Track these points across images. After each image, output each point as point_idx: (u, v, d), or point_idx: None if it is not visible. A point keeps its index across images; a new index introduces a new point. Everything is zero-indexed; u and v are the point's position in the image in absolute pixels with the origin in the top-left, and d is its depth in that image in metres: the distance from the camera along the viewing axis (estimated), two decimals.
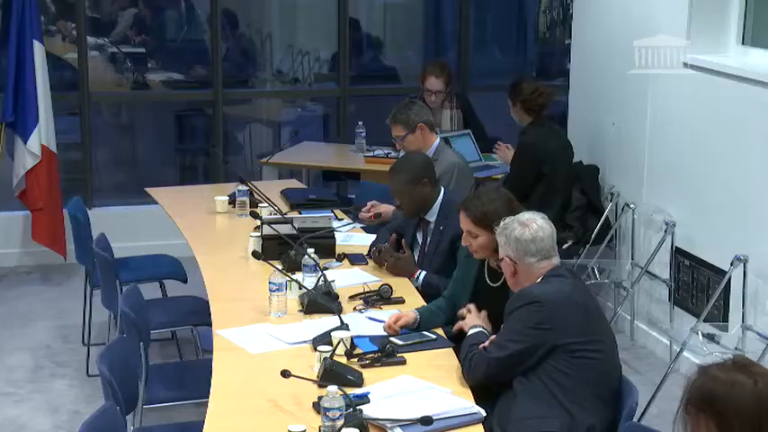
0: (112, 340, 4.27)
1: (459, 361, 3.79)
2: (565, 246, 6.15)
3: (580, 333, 3.58)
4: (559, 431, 3.48)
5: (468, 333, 3.87)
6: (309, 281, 4.43)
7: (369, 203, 5.60)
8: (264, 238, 4.91)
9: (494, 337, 3.72)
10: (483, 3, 9.10)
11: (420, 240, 4.95)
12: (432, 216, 4.88)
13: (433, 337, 4.03)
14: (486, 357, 3.63)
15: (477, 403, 3.44)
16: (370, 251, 4.99)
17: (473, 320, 3.97)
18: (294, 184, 6.62)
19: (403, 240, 4.90)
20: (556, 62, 9.22)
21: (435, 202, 4.87)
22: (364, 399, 3.39)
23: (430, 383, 3.57)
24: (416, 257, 4.90)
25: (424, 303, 4.38)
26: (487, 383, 3.66)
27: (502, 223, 3.81)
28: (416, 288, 4.65)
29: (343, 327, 3.96)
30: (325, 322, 4.08)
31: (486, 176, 6.59)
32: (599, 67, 6.69)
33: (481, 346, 3.69)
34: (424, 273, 4.71)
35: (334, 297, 4.32)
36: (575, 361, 3.55)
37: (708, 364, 2.56)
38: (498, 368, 3.62)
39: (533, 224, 3.76)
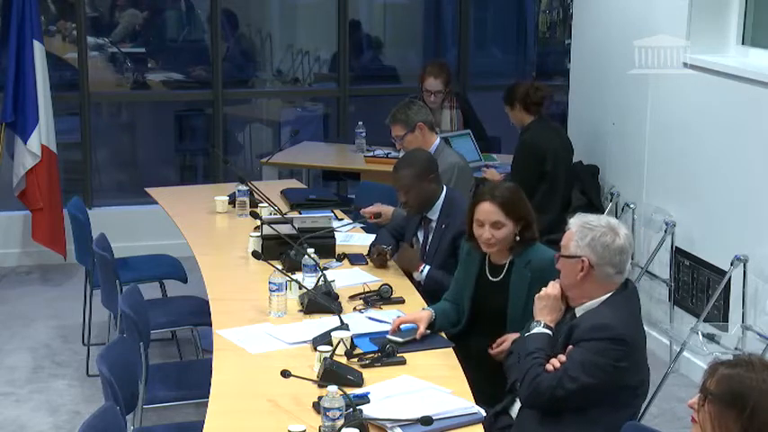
0: (112, 340, 4.27)
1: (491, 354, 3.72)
2: None
3: (644, 370, 3.51)
4: None
5: (532, 331, 3.60)
6: (309, 281, 4.43)
7: (374, 205, 5.59)
8: (264, 238, 4.91)
9: (563, 359, 3.43)
10: (483, 3, 9.10)
11: (421, 239, 4.95)
12: (434, 214, 4.89)
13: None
14: (553, 386, 3.40)
15: (478, 403, 3.44)
16: (369, 251, 4.98)
17: (542, 306, 3.63)
18: (294, 184, 6.62)
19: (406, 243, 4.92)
20: (556, 62, 9.21)
21: (438, 199, 4.88)
22: (364, 399, 3.39)
23: (430, 383, 3.56)
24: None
25: (424, 303, 4.39)
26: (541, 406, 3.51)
27: (583, 220, 3.59)
28: (418, 282, 4.64)
29: (343, 327, 3.96)
30: (326, 322, 4.08)
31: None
32: (599, 67, 6.69)
33: (550, 368, 3.44)
34: (428, 267, 4.71)
35: (335, 297, 4.32)
36: (632, 400, 3.49)
37: (731, 360, 2.58)
38: (564, 400, 3.41)
39: (622, 233, 3.57)
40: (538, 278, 3.97)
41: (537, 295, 3.66)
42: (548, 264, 3.99)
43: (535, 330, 3.59)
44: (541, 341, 3.54)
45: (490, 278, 4.20)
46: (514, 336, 4.01)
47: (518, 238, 4.12)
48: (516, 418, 3.65)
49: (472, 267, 4.26)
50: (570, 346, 3.45)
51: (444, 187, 4.95)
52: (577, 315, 3.57)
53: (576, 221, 3.61)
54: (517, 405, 3.68)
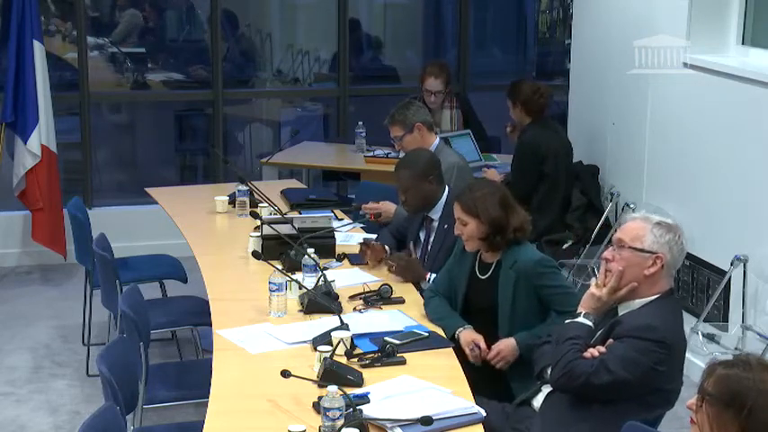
0: (112, 340, 4.27)
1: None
2: (565, 246, 6.14)
3: (679, 378, 3.52)
4: None
5: (577, 319, 3.59)
6: (309, 281, 4.43)
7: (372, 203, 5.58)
8: (264, 238, 4.91)
9: (602, 350, 3.45)
10: (483, 3, 9.10)
11: (423, 239, 4.95)
12: (435, 214, 4.89)
13: (425, 334, 4.03)
14: (588, 372, 3.41)
15: (478, 403, 3.45)
16: (361, 249, 4.92)
17: (588, 300, 3.61)
18: (294, 184, 6.62)
19: (411, 244, 4.90)
20: (556, 62, 9.22)
21: (440, 199, 4.89)
22: (364, 399, 3.39)
23: (430, 383, 3.56)
24: (419, 255, 4.90)
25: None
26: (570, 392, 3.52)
27: (657, 218, 3.61)
28: (424, 291, 4.62)
29: (343, 327, 3.96)
30: (326, 322, 4.08)
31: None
32: (599, 67, 6.69)
33: (589, 354, 3.46)
34: (434, 275, 4.68)
35: (335, 297, 4.32)
36: (662, 405, 3.50)
37: (728, 361, 2.58)
38: (595, 389, 3.42)
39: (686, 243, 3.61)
40: (522, 279, 4.10)
41: (589, 291, 3.63)
42: (532, 266, 4.11)
43: (578, 319, 3.60)
44: (582, 330, 3.55)
45: (479, 275, 4.26)
46: (506, 342, 4.05)
47: (498, 238, 4.15)
48: (542, 405, 3.66)
49: (466, 264, 4.32)
50: (611, 340, 3.46)
51: (447, 187, 4.95)
52: (620, 313, 3.57)
53: (647, 216, 3.60)
54: (540, 396, 3.70)
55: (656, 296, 3.52)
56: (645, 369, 3.39)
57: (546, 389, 3.67)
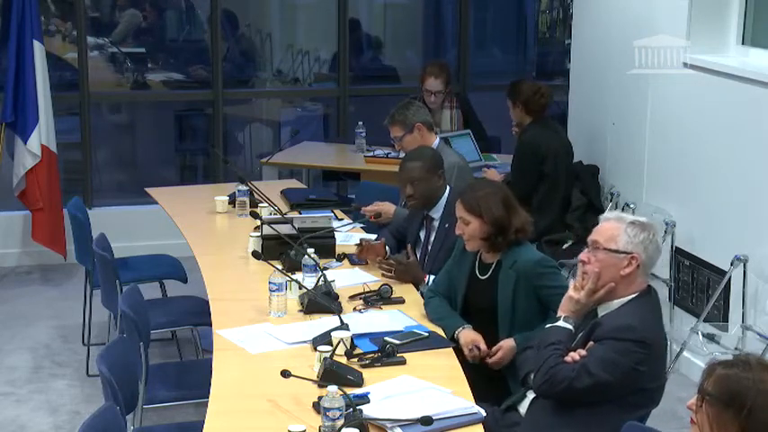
0: (112, 340, 4.27)
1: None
2: (565, 246, 6.14)
3: (662, 376, 3.52)
4: None
5: (557, 323, 3.60)
6: (309, 281, 4.43)
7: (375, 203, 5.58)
8: (264, 238, 4.91)
9: (583, 353, 3.44)
10: (483, 3, 9.11)
11: (423, 238, 4.95)
12: (436, 213, 4.89)
13: (425, 334, 4.03)
14: (570, 377, 3.40)
15: (478, 403, 3.44)
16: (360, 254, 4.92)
17: (567, 304, 3.61)
18: (294, 184, 6.62)
19: (408, 246, 4.90)
20: (556, 62, 9.22)
21: (441, 198, 4.89)
22: (364, 399, 3.40)
23: (430, 383, 3.56)
24: (419, 255, 4.90)
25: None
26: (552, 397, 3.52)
27: (630, 217, 3.59)
28: (423, 293, 4.62)
29: (343, 327, 3.96)
30: (326, 322, 4.08)
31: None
32: (599, 67, 6.69)
33: (570, 358, 3.46)
34: (432, 277, 4.68)
35: (335, 297, 4.32)
36: (646, 404, 3.49)
37: (728, 361, 2.58)
38: (578, 393, 3.41)
39: (660, 235, 3.60)
40: (522, 280, 4.10)
41: (567, 294, 3.64)
42: (531, 266, 4.11)
43: (558, 323, 3.59)
44: (562, 335, 3.55)
45: (479, 276, 4.25)
46: (508, 342, 4.05)
47: (500, 239, 4.15)
48: (527, 411, 3.65)
49: (466, 264, 4.32)
50: (591, 342, 3.46)
51: (448, 187, 4.95)
52: (599, 314, 3.57)
53: (620, 217, 3.60)
54: (526, 401, 3.70)
55: (633, 295, 3.51)
56: (625, 370, 3.38)
57: (531, 394, 3.67)
